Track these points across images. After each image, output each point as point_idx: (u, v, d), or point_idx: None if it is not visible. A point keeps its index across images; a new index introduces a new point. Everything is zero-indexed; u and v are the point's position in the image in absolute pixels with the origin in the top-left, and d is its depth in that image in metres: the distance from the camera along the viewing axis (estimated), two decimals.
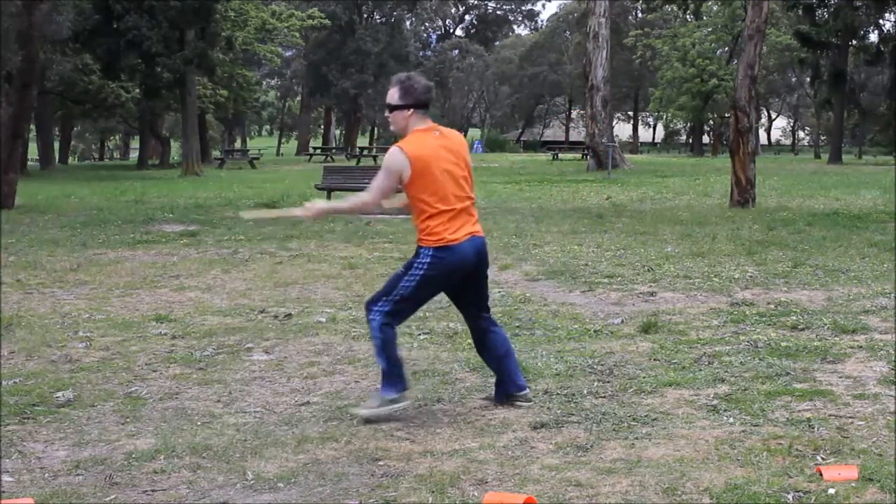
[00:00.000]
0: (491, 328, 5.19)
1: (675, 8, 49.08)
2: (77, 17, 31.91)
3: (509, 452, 4.34)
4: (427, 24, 76.38)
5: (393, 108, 4.92)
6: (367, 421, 4.78)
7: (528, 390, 5.14)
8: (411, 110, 4.88)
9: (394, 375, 4.89)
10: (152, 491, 3.94)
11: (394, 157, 4.81)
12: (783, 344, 6.39)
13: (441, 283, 4.93)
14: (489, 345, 5.19)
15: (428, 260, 4.81)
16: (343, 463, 4.24)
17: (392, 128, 5.01)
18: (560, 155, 47.24)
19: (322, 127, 76.88)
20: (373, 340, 4.96)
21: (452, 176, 4.84)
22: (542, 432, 4.62)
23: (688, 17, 58.25)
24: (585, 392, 5.28)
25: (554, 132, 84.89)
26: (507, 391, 5.12)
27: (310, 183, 23.10)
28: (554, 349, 6.37)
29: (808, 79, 57.68)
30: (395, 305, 4.87)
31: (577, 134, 71.98)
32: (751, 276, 9.39)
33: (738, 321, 7.23)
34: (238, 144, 74.77)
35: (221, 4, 37.73)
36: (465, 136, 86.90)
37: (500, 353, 5.16)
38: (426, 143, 4.83)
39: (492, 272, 10.00)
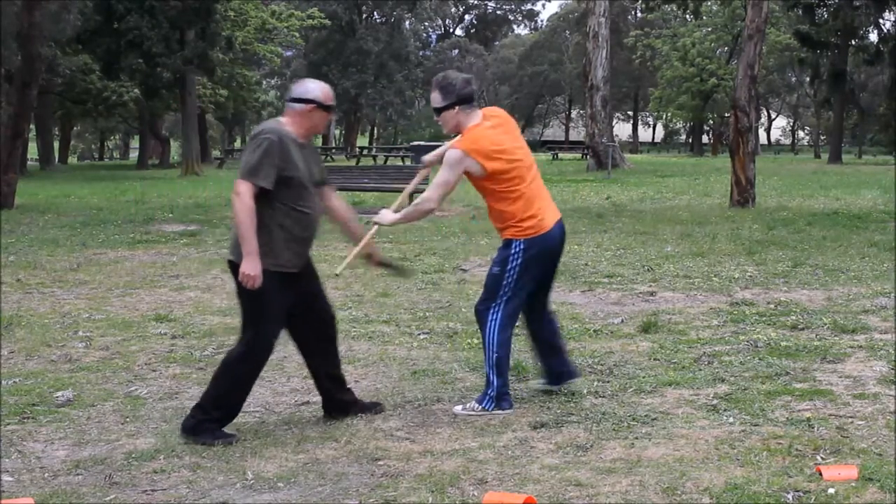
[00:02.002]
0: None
1: (674, 8, 49.05)
2: (77, 17, 31.90)
3: (509, 452, 4.34)
4: (427, 23, 76.29)
5: (440, 111, 4.93)
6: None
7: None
8: (457, 108, 4.90)
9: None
10: (152, 491, 3.94)
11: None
12: (783, 344, 6.39)
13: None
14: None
15: None
16: (343, 463, 4.24)
17: (444, 130, 5.02)
18: (560, 155, 47.29)
19: None
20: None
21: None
22: (542, 432, 4.62)
23: (687, 16, 58.19)
24: (585, 392, 5.28)
25: (554, 132, 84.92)
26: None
27: None
28: None
29: (808, 79, 57.67)
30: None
31: (577, 134, 72.01)
32: (751, 276, 9.39)
33: (738, 321, 7.23)
34: (238, 144, 74.75)
35: (221, 4, 37.69)
36: None
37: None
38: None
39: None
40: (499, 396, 4.95)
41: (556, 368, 5.25)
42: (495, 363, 4.94)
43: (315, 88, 4.58)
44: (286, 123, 4.57)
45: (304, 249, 4.63)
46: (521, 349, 6.31)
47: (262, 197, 4.42)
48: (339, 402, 4.90)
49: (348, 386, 5.02)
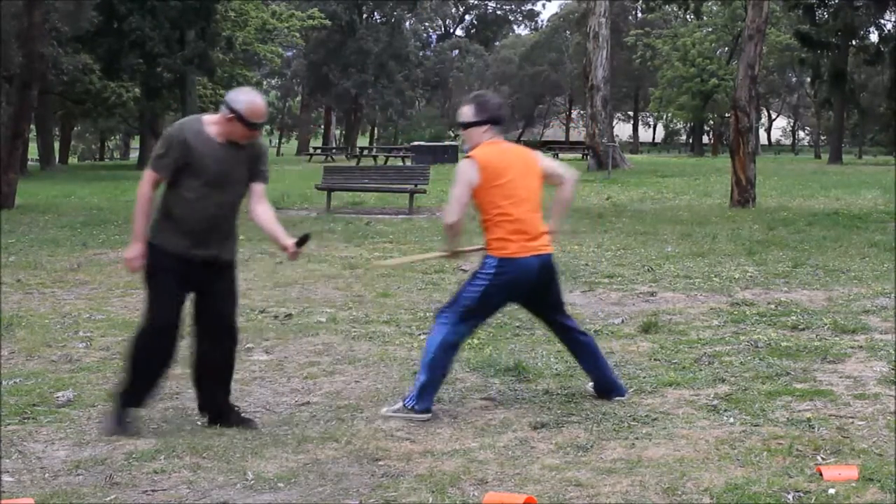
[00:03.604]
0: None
1: (675, 8, 49.06)
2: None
3: (509, 452, 4.34)
4: (427, 24, 76.19)
5: (469, 125, 4.98)
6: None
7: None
8: (486, 126, 4.96)
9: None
10: (152, 491, 3.94)
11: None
12: (783, 344, 6.39)
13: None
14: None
15: None
16: (343, 463, 4.24)
17: (466, 146, 5.05)
18: (560, 155, 47.14)
19: (322, 127, 76.87)
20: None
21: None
22: (543, 432, 4.62)
23: (688, 17, 58.20)
24: (585, 392, 5.28)
25: (554, 132, 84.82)
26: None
27: (310, 183, 23.11)
28: (554, 349, 6.36)
29: (808, 79, 57.66)
30: None
31: (578, 134, 71.89)
32: (751, 276, 9.39)
33: (739, 321, 7.23)
34: None
35: (222, 4, 37.72)
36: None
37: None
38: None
39: None
40: (419, 396, 4.87)
41: (600, 385, 5.22)
42: (428, 362, 4.92)
43: (242, 101, 4.58)
44: (209, 121, 4.66)
45: (198, 240, 4.64)
46: (522, 349, 6.31)
47: (170, 183, 4.66)
48: (215, 405, 4.86)
49: (230, 396, 4.94)
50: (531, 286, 4.93)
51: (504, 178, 4.86)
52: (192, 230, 4.63)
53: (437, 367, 4.91)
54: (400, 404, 4.93)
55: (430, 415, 4.88)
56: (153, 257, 4.67)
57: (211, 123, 4.63)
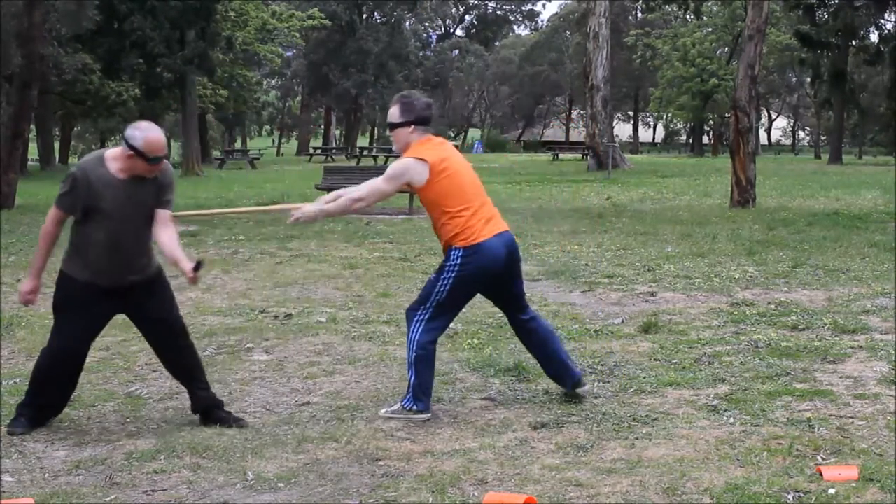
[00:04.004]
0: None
1: (675, 8, 49.04)
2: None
3: (509, 452, 4.34)
4: (427, 24, 76.19)
5: (395, 126, 4.98)
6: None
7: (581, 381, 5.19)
8: (412, 127, 4.95)
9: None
10: (152, 491, 3.94)
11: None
12: (783, 344, 6.39)
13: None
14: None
15: None
16: (343, 463, 4.24)
17: (395, 147, 5.05)
18: (560, 155, 47.18)
19: (322, 127, 76.87)
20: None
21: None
22: (543, 432, 4.62)
23: (688, 17, 58.20)
24: (585, 392, 5.28)
25: (554, 132, 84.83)
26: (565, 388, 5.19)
27: (310, 183, 23.12)
28: None
29: (808, 79, 57.66)
30: None
31: (578, 134, 71.89)
32: (751, 276, 9.39)
33: (739, 321, 7.23)
34: (238, 145, 74.75)
35: (222, 4, 37.71)
36: (465, 136, 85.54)
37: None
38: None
39: None
40: (415, 397, 4.88)
41: (561, 376, 5.20)
42: (413, 361, 4.90)
43: (139, 137, 4.56)
44: (111, 157, 4.65)
45: (108, 274, 4.69)
46: (522, 349, 6.30)
47: (76, 220, 4.68)
48: (202, 402, 4.89)
49: (210, 391, 4.98)
50: (500, 270, 4.92)
51: (449, 171, 4.89)
52: (100, 267, 4.66)
53: (422, 364, 4.90)
54: (398, 405, 4.94)
55: (429, 414, 4.88)
56: (63, 286, 4.73)
57: (113, 159, 4.64)
